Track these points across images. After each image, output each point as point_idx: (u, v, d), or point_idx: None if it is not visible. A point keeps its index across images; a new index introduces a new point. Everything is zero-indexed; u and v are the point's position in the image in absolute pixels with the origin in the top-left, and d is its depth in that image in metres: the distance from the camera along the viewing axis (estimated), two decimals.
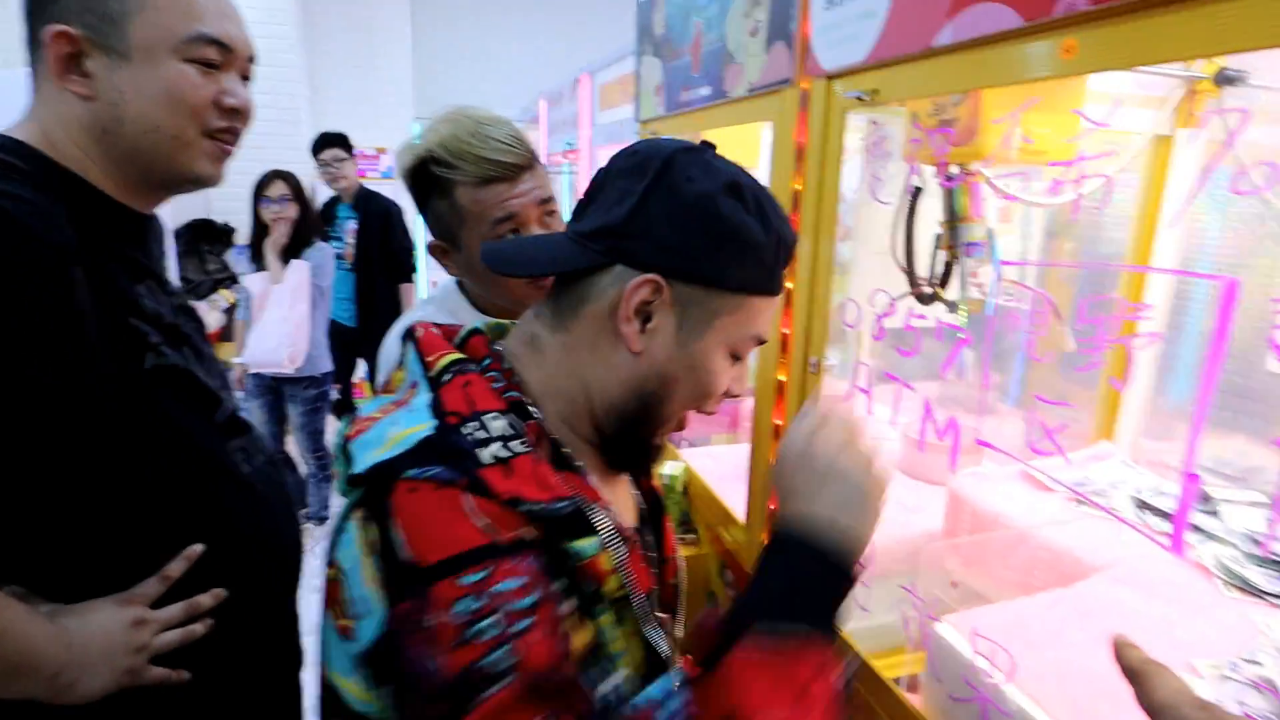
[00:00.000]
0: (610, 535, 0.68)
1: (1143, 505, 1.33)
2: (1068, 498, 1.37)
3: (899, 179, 1.22)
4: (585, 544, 0.65)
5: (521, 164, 1.16)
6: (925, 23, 0.92)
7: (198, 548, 0.92)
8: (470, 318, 1.33)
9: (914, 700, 1.02)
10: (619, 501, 0.85)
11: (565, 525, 0.64)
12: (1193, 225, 1.43)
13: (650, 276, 0.68)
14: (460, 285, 1.36)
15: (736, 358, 0.76)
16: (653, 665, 0.73)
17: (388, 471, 0.64)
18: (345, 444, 0.72)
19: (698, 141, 0.74)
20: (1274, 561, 1.09)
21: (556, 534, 0.64)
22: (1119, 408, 1.53)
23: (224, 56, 0.92)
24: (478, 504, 0.62)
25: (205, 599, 0.93)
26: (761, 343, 0.77)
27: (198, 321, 1.07)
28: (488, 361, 0.75)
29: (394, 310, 3.89)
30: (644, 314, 0.70)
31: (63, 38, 0.85)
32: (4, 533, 0.79)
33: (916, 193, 1.25)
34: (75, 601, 0.85)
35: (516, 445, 0.66)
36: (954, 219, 1.12)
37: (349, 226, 4.13)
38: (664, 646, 0.75)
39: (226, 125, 0.95)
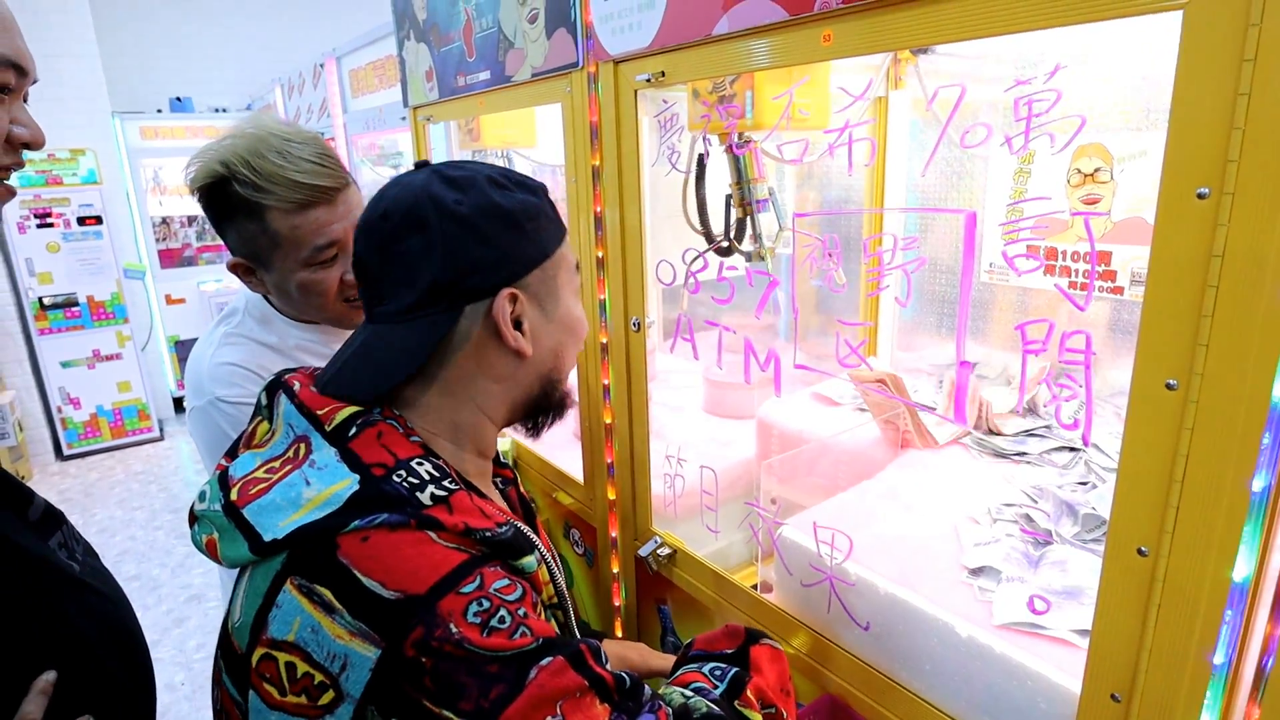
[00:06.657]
0: (542, 550, 0.77)
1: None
2: (853, 408, 1.63)
3: (687, 150, 1.36)
4: (528, 560, 0.72)
5: (338, 186, 1.13)
6: (705, 14, 1.04)
7: (50, 675, 0.78)
8: (285, 329, 1.29)
9: (770, 598, 1.19)
10: None
11: (508, 547, 0.70)
12: (910, 172, 1.73)
13: (504, 295, 0.76)
14: (265, 296, 1.30)
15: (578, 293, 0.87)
16: None
17: (321, 532, 0.65)
18: (234, 509, 0.70)
19: (414, 165, 0.81)
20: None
21: (502, 555, 0.69)
22: (879, 329, 1.81)
23: (19, 81, 0.79)
24: (437, 534, 0.66)
25: None
26: (578, 266, 0.88)
27: None
28: (379, 410, 0.75)
29: None
30: (517, 323, 0.78)
31: None
32: None
33: (702, 161, 1.40)
34: None
35: (449, 484, 0.70)
36: (742, 180, 1.28)
37: None
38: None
39: (12, 162, 0.81)
